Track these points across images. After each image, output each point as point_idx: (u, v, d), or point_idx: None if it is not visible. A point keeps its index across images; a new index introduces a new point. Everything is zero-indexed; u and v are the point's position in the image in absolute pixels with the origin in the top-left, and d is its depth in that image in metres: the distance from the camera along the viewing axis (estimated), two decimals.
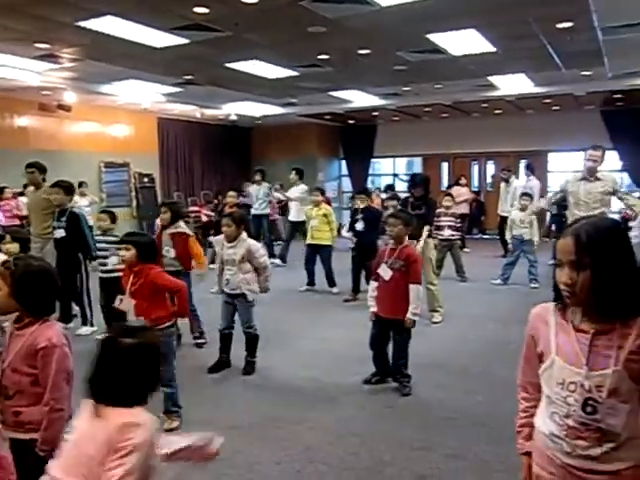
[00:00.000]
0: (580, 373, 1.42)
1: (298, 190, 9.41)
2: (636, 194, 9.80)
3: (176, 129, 13.35)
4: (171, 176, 13.37)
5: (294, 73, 8.52)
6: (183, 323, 5.18)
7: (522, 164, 13.65)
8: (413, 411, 3.78)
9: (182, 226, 5.06)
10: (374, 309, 4.08)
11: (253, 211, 10.04)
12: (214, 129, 14.21)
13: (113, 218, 5.46)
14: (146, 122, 12.45)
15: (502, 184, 10.45)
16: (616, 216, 8.86)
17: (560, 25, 6.20)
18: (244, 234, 4.45)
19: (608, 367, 1.39)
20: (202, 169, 14.25)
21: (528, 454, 1.62)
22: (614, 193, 5.56)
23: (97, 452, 1.48)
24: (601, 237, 1.40)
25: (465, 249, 10.96)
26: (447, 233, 8.10)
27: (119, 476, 1.43)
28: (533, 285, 7.57)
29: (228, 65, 7.92)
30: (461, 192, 11.37)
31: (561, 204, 9.26)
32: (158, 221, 5.23)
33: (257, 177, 10.25)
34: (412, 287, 3.94)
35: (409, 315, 3.92)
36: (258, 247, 4.51)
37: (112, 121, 11.76)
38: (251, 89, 9.88)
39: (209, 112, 12.42)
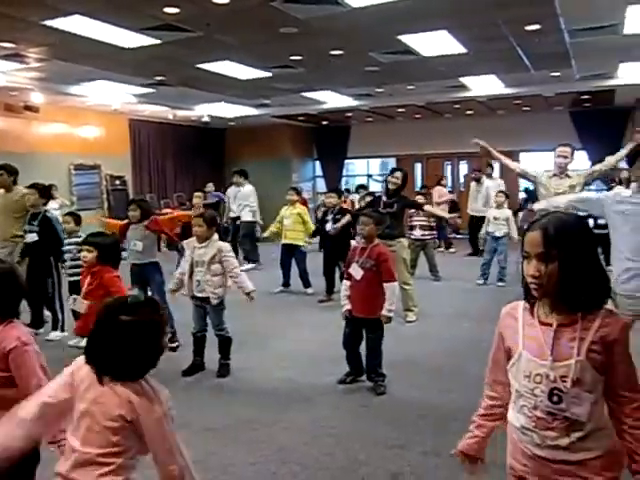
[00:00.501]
0: (545, 365, 1.46)
1: (245, 191, 9.73)
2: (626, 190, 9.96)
3: (148, 130, 13.19)
4: (143, 178, 13.21)
5: (267, 74, 8.50)
6: None
7: (496, 164, 13.88)
8: (388, 410, 3.80)
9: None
10: (348, 307, 4.08)
11: (232, 214, 10.02)
12: (187, 130, 14.09)
13: (78, 220, 5.44)
14: (117, 123, 12.28)
15: (472, 183, 10.62)
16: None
17: (528, 27, 6.30)
18: (215, 235, 4.42)
19: (571, 358, 1.43)
20: (175, 171, 14.11)
21: (469, 457, 1.70)
22: (592, 175, 5.47)
23: (111, 424, 1.56)
24: (568, 230, 1.45)
25: (450, 249, 11.14)
26: (419, 233, 8.17)
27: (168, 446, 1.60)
28: (500, 284, 7.71)
29: (200, 66, 7.86)
30: (442, 192, 11.49)
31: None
32: None
33: (236, 179, 10.09)
34: (387, 285, 3.95)
35: (384, 312, 3.94)
36: (229, 248, 4.48)
37: (82, 122, 11.56)
38: (224, 90, 9.82)
39: (181, 113, 12.31)
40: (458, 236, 13.17)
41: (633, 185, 3.27)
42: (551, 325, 1.48)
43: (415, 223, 8.20)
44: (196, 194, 8.63)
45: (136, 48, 6.72)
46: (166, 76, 8.64)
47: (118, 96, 10.04)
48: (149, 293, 5.12)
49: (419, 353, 4.98)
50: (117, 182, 12.39)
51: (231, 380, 4.40)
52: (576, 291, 1.44)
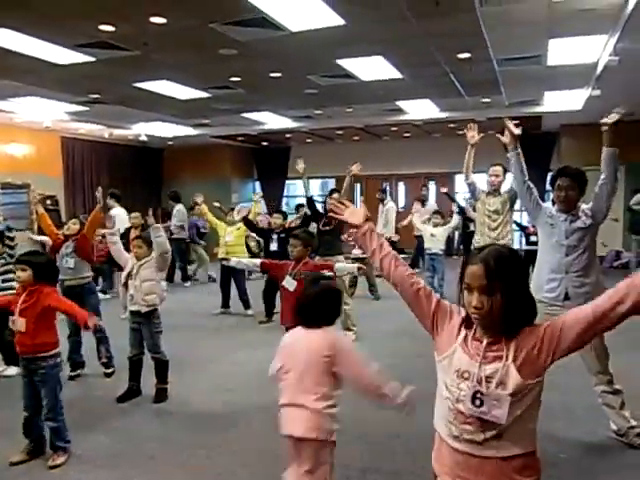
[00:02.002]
0: (474, 365, 1.55)
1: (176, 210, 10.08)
2: None
3: (82, 149, 12.79)
4: (77, 198, 12.75)
5: (206, 94, 8.47)
6: (90, 348, 4.97)
7: (432, 185, 14.34)
8: None
9: None
10: None
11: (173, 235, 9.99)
12: (123, 149, 13.76)
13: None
14: (49, 141, 11.83)
15: (379, 206, 10.88)
16: (517, 235, 9.47)
17: (460, 55, 6.60)
18: (153, 253, 4.34)
19: (499, 361, 1.53)
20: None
21: None
22: (512, 201, 5.78)
23: (323, 359, 2.36)
24: (507, 263, 1.56)
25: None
26: (358, 252, 8.27)
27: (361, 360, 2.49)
28: None
29: (137, 85, 7.74)
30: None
31: (465, 224, 9.78)
32: None
33: (170, 201, 10.42)
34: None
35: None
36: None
37: (9, 140, 11.07)
38: (162, 109, 9.69)
39: (118, 132, 12.04)
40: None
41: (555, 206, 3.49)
42: (481, 341, 1.58)
43: (354, 242, 8.29)
44: (133, 214, 8.42)
45: (69, 65, 6.54)
46: (101, 94, 8.44)
47: (50, 113, 9.71)
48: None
49: None
50: (48, 202, 11.89)
51: (169, 405, 4.28)
52: (513, 319, 1.54)
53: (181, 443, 3.60)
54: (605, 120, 3.23)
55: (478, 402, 1.52)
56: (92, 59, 6.36)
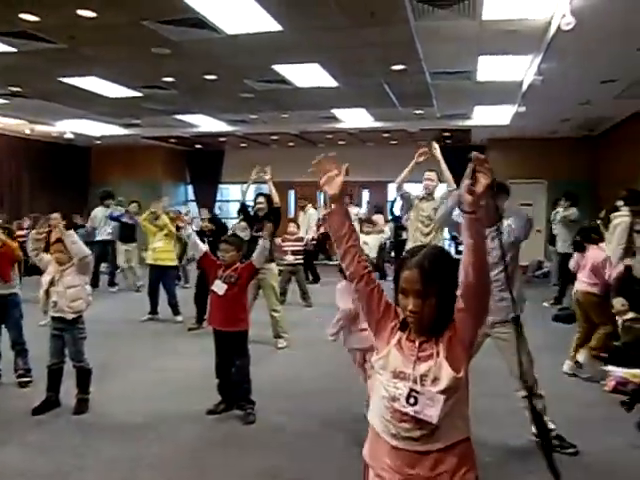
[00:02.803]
0: (409, 365, 1.58)
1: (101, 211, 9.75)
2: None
3: (0, 144, 12.09)
4: None
5: (137, 94, 8.22)
6: (6, 360, 4.67)
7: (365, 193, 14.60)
8: (257, 438, 3.73)
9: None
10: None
11: (97, 237, 9.70)
12: (47, 147, 13.10)
13: None
14: None
15: (301, 213, 11.05)
16: (447, 241, 9.77)
17: (394, 67, 6.74)
18: (75, 259, 4.11)
19: (431, 359, 1.57)
20: (31, 189, 12.99)
21: None
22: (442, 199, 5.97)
23: None
24: (441, 266, 1.59)
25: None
26: (291, 258, 8.24)
27: None
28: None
29: (63, 80, 7.39)
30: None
31: (397, 232, 9.99)
32: None
33: (107, 201, 9.94)
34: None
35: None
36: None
37: None
38: (89, 107, 9.31)
39: (41, 128, 11.46)
40: (330, 262, 13.53)
41: None
42: (414, 342, 1.62)
43: (287, 249, 8.27)
44: (53, 215, 8.01)
45: None
46: (23, 87, 8.00)
47: None
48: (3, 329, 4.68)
49: (288, 379, 4.98)
50: None
51: (89, 416, 4.06)
52: (444, 319, 1.59)
53: (102, 456, 3.43)
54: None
55: (412, 400, 1.56)
56: (12, 49, 6.01)
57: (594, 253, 5.21)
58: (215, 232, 6.93)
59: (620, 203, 6.15)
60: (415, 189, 6.29)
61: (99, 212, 9.88)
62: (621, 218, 5.85)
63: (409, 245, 6.11)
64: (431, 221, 5.96)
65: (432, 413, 1.54)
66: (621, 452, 3.53)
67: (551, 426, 3.47)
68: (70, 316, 4.04)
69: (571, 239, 7.71)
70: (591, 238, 5.36)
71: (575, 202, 8.60)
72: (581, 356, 5.07)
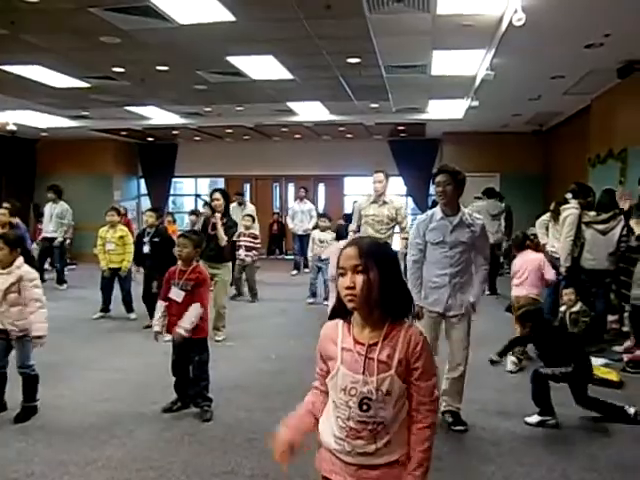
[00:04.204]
0: (359, 379, 1.59)
1: (62, 209, 9.50)
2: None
3: None
4: None
5: (85, 84, 7.92)
6: None
7: (321, 186, 14.58)
8: (214, 436, 3.67)
9: None
10: (157, 329, 3.99)
11: (44, 233, 9.44)
12: None
13: None
14: None
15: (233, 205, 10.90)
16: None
17: (350, 60, 6.71)
18: (20, 259, 3.85)
19: (382, 372, 1.59)
20: None
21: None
22: (395, 219, 6.09)
23: None
24: (378, 246, 1.67)
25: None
26: (242, 254, 8.20)
27: None
28: (310, 301, 8.09)
29: (3, 68, 7.02)
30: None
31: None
32: None
33: (51, 195, 9.60)
34: (195, 306, 3.86)
35: (178, 330, 3.82)
36: (34, 276, 3.87)
37: None
38: (34, 97, 8.89)
39: None
40: (287, 257, 13.50)
41: None
42: (363, 344, 1.61)
43: (241, 244, 8.23)
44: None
45: None
46: None
47: None
48: None
49: (246, 375, 4.92)
50: None
51: (38, 419, 3.90)
52: (386, 299, 1.58)
53: (51, 461, 3.29)
54: None
55: (365, 407, 1.59)
56: None
57: (530, 257, 5.41)
58: (159, 244, 6.50)
59: (569, 196, 6.34)
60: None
61: (46, 208, 9.67)
62: (570, 210, 6.04)
63: None
64: (385, 226, 5.96)
65: (385, 414, 1.59)
66: (566, 435, 3.65)
67: (442, 408, 3.72)
68: (16, 334, 3.82)
69: (494, 231, 8.65)
70: (525, 245, 5.58)
71: (494, 196, 9.39)
72: (508, 361, 5.00)
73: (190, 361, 3.98)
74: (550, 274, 5.37)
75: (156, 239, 6.48)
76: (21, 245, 3.93)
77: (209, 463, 3.27)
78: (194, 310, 3.85)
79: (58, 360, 5.00)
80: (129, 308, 7.12)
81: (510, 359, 4.94)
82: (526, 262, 5.38)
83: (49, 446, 3.50)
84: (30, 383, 3.95)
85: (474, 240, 3.66)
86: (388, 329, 1.61)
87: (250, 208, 9.80)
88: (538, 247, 6.21)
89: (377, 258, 1.58)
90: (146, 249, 6.53)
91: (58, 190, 9.74)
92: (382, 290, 1.56)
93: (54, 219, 9.50)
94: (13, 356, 3.93)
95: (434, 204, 4.05)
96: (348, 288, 1.56)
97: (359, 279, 1.55)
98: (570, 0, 4.61)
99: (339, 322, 1.69)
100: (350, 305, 1.59)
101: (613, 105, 7.51)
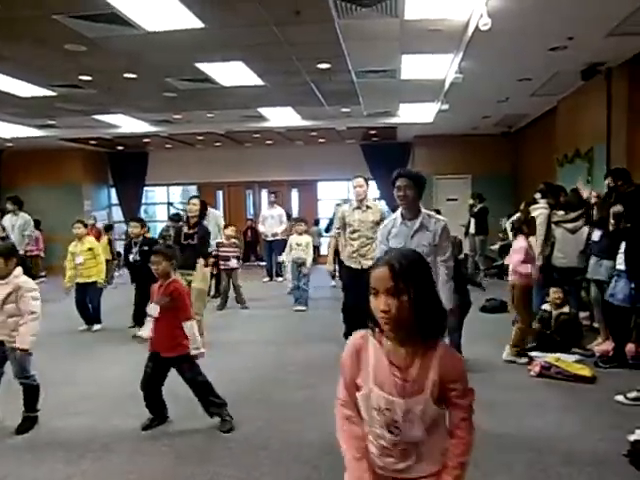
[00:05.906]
0: (393, 401, 1.57)
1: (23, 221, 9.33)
2: None
3: None
4: None
5: (51, 93, 7.78)
6: None
7: (294, 192, 14.57)
8: (192, 445, 3.61)
9: None
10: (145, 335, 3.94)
11: None
12: None
13: None
14: None
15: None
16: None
17: (320, 65, 6.74)
18: (19, 269, 3.79)
19: (416, 394, 1.56)
20: None
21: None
22: (379, 223, 6.02)
23: None
24: (411, 264, 1.54)
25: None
26: (233, 263, 8.16)
27: None
28: (298, 308, 7.99)
29: None
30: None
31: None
32: None
33: (9, 206, 9.30)
34: (186, 324, 3.76)
35: (191, 352, 3.76)
36: (31, 287, 3.81)
37: None
38: None
39: None
40: (261, 263, 13.44)
41: None
42: (399, 367, 1.57)
43: (230, 254, 8.18)
44: None
45: None
46: None
47: None
48: None
49: (226, 384, 4.84)
50: None
51: (12, 437, 3.79)
52: (421, 320, 1.52)
53: (25, 477, 3.21)
54: None
55: (396, 431, 1.58)
56: None
57: (518, 243, 5.41)
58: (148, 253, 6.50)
59: (538, 196, 6.45)
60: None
61: (6, 220, 9.35)
62: (539, 211, 6.14)
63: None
64: (371, 231, 5.61)
65: (415, 433, 1.57)
66: (543, 431, 3.69)
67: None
68: (13, 345, 3.75)
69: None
70: (521, 230, 5.44)
71: (481, 199, 10.51)
72: (505, 353, 5.22)
73: (164, 376, 3.89)
74: (524, 268, 5.29)
75: (145, 248, 6.39)
76: (15, 255, 3.85)
77: (187, 473, 3.22)
78: (188, 329, 3.75)
79: (40, 375, 4.87)
80: (95, 320, 7.07)
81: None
82: (516, 247, 5.38)
83: (22, 464, 3.40)
84: (31, 393, 3.91)
85: (436, 241, 3.69)
86: (423, 349, 1.56)
87: (217, 214, 9.72)
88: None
89: (411, 279, 1.50)
90: (137, 259, 6.47)
91: (18, 201, 9.42)
92: (417, 311, 1.50)
93: (16, 231, 9.23)
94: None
95: (394, 209, 4.04)
96: (383, 312, 1.50)
97: (394, 302, 1.49)
98: (534, 5, 4.70)
99: (369, 338, 1.63)
100: (386, 327, 1.53)
101: (578, 106, 7.69)
